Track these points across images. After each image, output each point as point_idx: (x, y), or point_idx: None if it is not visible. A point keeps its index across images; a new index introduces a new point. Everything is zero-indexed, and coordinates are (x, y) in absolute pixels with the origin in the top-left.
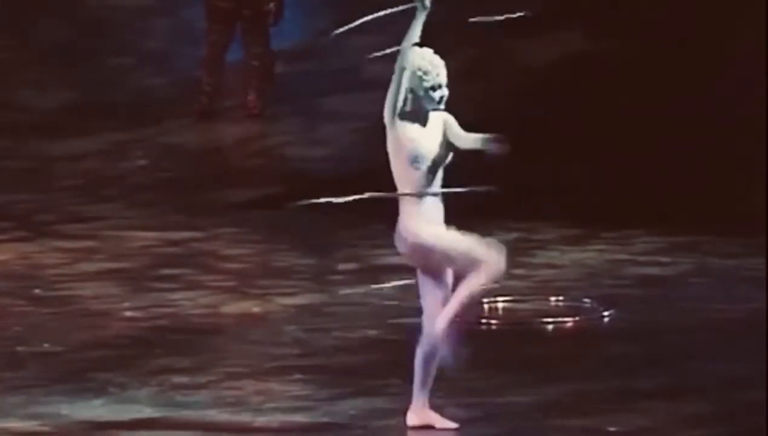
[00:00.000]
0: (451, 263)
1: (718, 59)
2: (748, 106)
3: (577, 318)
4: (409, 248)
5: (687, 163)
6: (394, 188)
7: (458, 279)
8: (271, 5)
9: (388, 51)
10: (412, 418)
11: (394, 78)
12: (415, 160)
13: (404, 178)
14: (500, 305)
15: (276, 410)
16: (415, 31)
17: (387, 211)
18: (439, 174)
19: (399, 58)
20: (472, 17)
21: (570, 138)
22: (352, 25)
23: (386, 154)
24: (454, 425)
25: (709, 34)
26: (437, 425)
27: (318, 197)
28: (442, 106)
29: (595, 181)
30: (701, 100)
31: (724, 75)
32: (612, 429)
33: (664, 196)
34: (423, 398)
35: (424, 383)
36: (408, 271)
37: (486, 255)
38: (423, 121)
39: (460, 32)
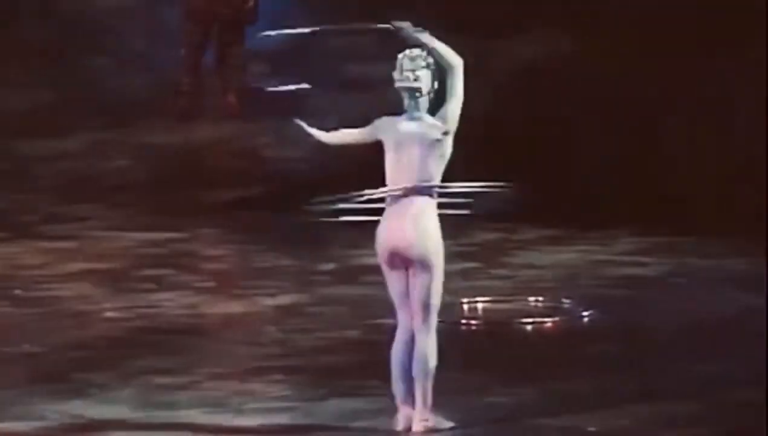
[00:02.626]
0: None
1: (704, 59)
2: (731, 107)
3: (557, 318)
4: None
5: (668, 164)
6: (374, 188)
7: None
8: (250, 4)
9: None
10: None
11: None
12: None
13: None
14: (480, 306)
15: (257, 410)
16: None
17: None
18: None
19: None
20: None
21: (552, 138)
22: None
23: (365, 153)
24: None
25: (694, 33)
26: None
27: (297, 198)
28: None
29: (576, 181)
30: (685, 102)
31: (709, 75)
32: (591, 429)
33: (645, 197)
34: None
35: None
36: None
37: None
38: None
39: (443, 33)
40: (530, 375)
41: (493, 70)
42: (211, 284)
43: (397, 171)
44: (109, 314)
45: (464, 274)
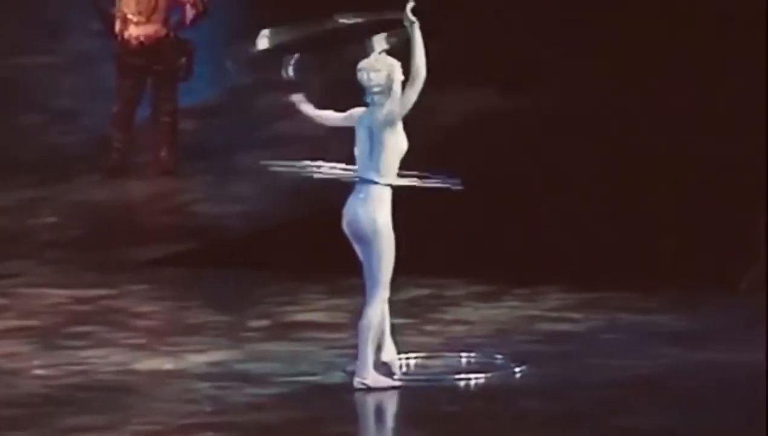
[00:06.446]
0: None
1: (631, 113)
2: (655, 161)
3: (488, 374)
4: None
5: (596, 221)
6: (307, 249)
7: None
8: (183, 60)
9: None
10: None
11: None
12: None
13: (394, 170)
14: (412, 362)
15: None
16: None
17: (298, 269)
18: None
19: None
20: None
21: (482, 194)
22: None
23: (298, 209)
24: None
25: (624, 90)
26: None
27: (231, 255)
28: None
29: (506, 237)
30: (609, 159)
31: (633, 132)
32: None
33: (574, 253)
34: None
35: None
36: (318, 328)
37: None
38: None
39: None
40: (462, 431)
41: (427, 125)
42: (142, 340)
43: (357, 157)
44: (38, 372)
45: (395, 330)
